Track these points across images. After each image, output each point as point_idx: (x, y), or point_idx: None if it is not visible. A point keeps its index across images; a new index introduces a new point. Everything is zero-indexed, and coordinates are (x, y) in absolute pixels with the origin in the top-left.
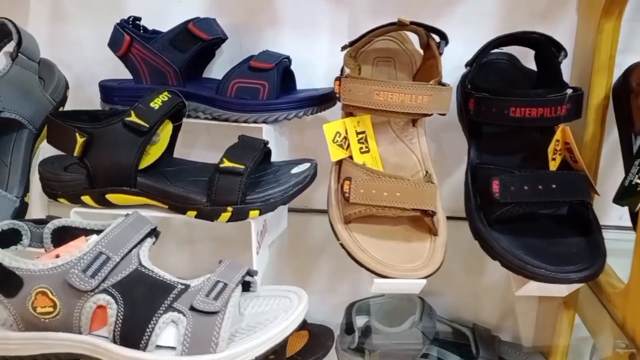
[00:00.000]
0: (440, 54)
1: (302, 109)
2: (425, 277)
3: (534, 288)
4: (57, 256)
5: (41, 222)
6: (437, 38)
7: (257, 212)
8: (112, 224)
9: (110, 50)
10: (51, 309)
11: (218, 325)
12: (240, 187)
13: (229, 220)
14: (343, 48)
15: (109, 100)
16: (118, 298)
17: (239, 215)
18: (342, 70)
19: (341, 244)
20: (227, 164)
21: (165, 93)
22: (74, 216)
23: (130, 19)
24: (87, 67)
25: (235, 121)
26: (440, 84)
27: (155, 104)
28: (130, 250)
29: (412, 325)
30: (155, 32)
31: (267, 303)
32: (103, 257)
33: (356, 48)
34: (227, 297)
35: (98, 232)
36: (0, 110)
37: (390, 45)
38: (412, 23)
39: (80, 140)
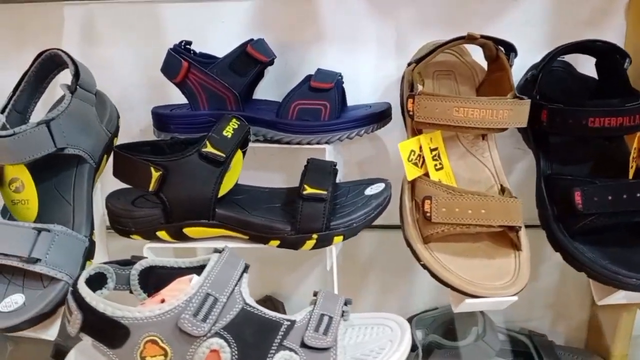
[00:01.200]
0: (511, 66)
1: (363, 128)
2: (516, 294)
3: (620, 297)
4: (162, 301)
5: (126, 263)
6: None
7: (341, 237)
8: (209, 262)
9: (165, 76)
10: (162, 357)
11: None
12: (325, 213)
13: (313, 248)
14: (409, 64)
15: (164, 129)
16: (230, 341)
17: (324, 242)
18: (412, 86)
19: (423, 265)
20: (309, 190)
21: (234, 120)
22: (148, 252)
23: (183, 44)
24: (124, 92)
25: (298, 143)
26: (516, 97)
27: (228, 132)
28: (233, 289)
29: (476, 339)
30: (204, 55)
31: (364, 332)
32: (211, 298)
33: (423, 64)
34: (335, 331)
35: (187, 270)
36: (64, 146)
37: (448, 58)
38: (481, 36)
39: (155, 174)
